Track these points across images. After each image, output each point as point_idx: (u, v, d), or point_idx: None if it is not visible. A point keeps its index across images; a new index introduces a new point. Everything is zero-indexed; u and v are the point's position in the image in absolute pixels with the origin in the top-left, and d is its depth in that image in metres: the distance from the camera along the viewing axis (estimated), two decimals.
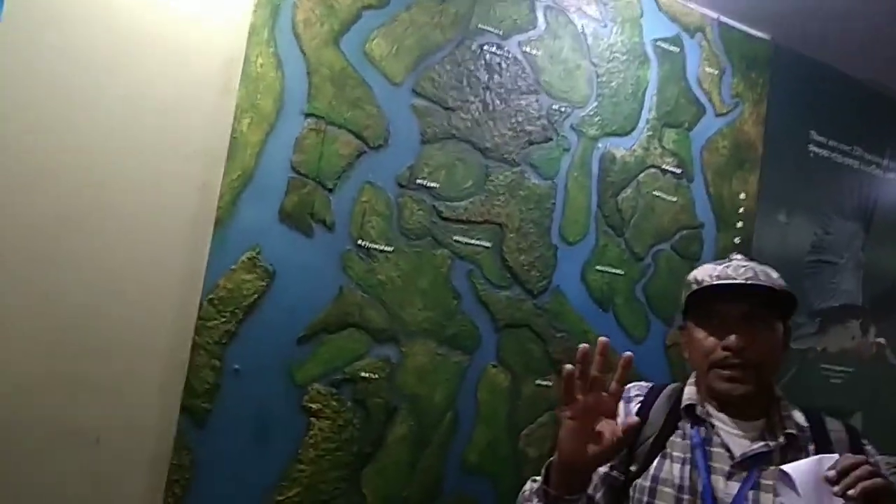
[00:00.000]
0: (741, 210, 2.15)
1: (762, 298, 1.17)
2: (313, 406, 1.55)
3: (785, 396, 1.22)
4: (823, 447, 1.15)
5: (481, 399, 1.74)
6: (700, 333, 1.21)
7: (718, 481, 1.14)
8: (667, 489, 1.16)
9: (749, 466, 1.14)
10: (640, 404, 1.27)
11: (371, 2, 1.65)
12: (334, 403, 1.57)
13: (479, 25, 1.77)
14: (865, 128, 2.45)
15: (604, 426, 1.04)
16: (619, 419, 1.14)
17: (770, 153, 2.19)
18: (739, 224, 2.14)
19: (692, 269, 2.00)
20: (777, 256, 2.16)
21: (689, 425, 1.21)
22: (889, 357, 2.47)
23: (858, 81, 2.42)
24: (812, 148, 2.33)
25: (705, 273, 1.23)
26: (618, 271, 1.94)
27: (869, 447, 1.18)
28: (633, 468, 1.21)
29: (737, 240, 2.13)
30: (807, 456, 1.15)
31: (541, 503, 1.08)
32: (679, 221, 2.04)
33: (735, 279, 1.18)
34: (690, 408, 1.22)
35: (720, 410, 1.20)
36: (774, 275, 1.22)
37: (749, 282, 1.17)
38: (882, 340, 2.45)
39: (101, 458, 1.40)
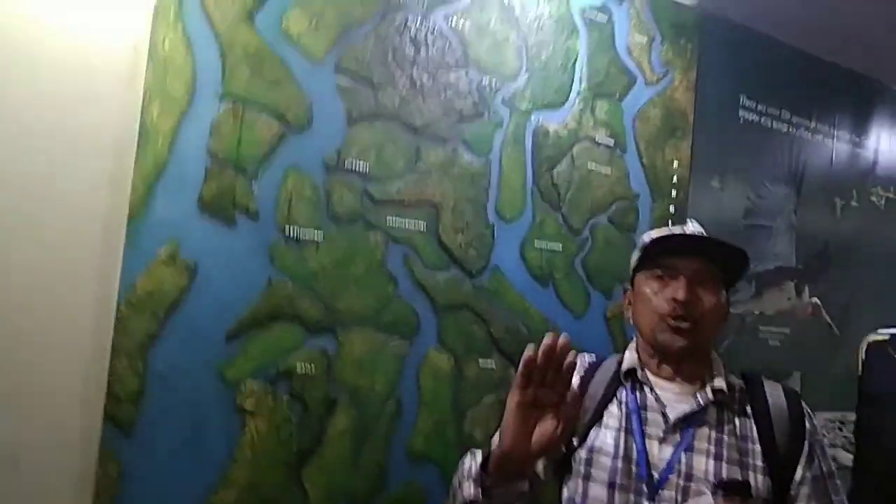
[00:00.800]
0: (675, 178, 2.15)
1: (713, 258, 1.19)
2: (247, 405, 1.48)
3: (720, 358, 1.23)
4: (760, 407, 1.16)
5: (424, 384, 1.70)
6: (648, 287, 1.21)
7: (653, 446, 1.14)
8: (602, 458, 1.16)
9: (683, 429, 1.14)
10: (580, 377, 1.26)
11: None
12: (269, 400, 1.50)
13: None
14: (793, 91, 2.49)
15: (548, 421, 1.02)
16: None
17: (701, 120, 2.20)
18: (674, 193, 2.14)
19: (629, 240, 2.04)
20: (712, 222, 2.15)
21: (625, 392, 1.21)
22: (824, 316, 2.54)
23: (785, 45, 2.45)
24: (742, 113, 2.35)
25: (660, 232, 1.25)
26: (556, 246, 1.92)
27: (806, 409, 1.19)
28: (574, 440, 1.21)
29: (672, 208, 2.14)
30: (743, 416, 1.15)
31: (477, 488, 1.06)
32: (614, 193, 2.02)
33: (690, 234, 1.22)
34: (630, 372, 1.22)
35: (657, 373, 1.20)
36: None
37: (703, 236, 1.21)
38: (817, 301, 2.51)
39: (21, 479, 1.30)
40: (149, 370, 1.39)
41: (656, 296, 1.19)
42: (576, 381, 1.25)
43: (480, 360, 1.78)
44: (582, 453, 1.18)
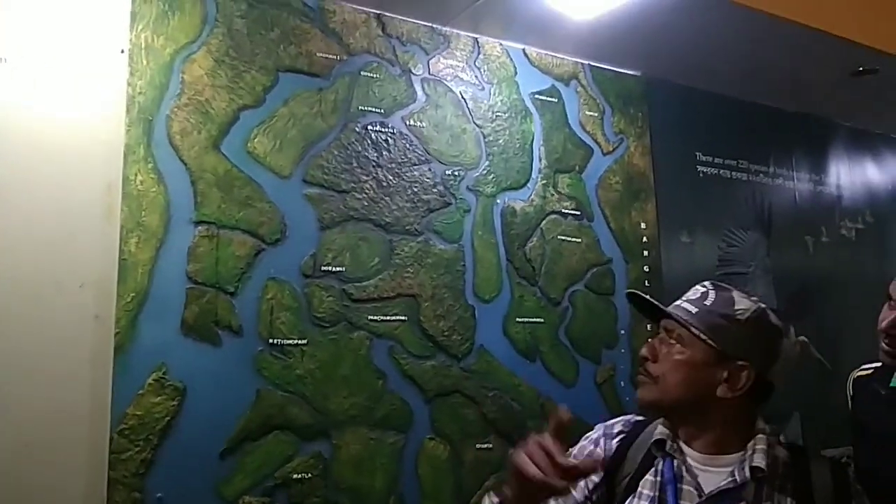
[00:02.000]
0: (644, 239, 2.22)
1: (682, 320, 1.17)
2: None
3: (767, 428, 1.15)
4: (803, 487, 1.09)
5: (423, 475, 1.71)
6: None
7: None
8: None
9: (718, 502, 1.10)
10: (620, 441, 1.24)
11: (247, 102, 1.66)
12: None
13: (360, 107, 1.81)
14: (746, 140, 2.59)
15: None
16: (601, 453, 1.21)
17: (661, 180, 2.29)
18: (645, 252, 2.21)
19: (609, 304, 2.08)
20: (687, 276, 2.22)
21: (661, 461, 1.17)
22: (814, 353, 2.56)
23: (732, 99, 2.57)
24: (700, 168, 2.44)
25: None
26: (538, 319, 1.96)
27: (856, 488, 1.11)
28: None
29: (646, 268, 2.19)
30: (783, 495, 1.08)
31: None
32: (587, 260, 2.09)
33: (683, 300, 1.20)
34: (660, 442, 1.18)
35: (689, 445, 1.16)
36: (728, 307, 1.16)
37: (669, 305, 1.18)
38: (804, 339, 2.54)
39: None
40: (147, 497, 1.41)
41: None
42: (614, 444, 1.24)
43: (477, 444, 1.80)
44: None
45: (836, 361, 2.59)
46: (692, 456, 1.15)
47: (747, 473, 1.09)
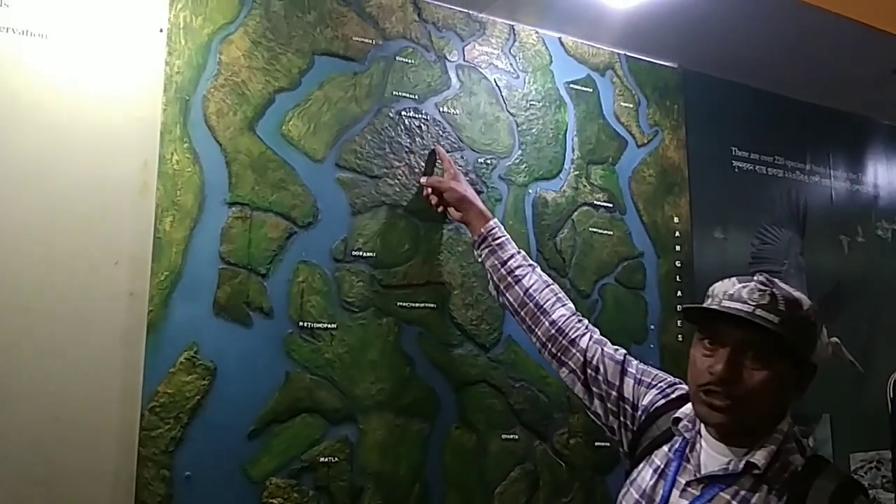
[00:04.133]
0: (677, 233, 2.18)
1: (768, 330, 1.07)
2: (274, 501, 1.49)
3: (790, 431, 1.13)
4: (797, 498, 1.06)
5: (448, 464, 1.70)
6: (697, 350, 1.15)
7: (675, 495, 1.14)
8: (634, 493, 1.19)
9: (707, 486, 1.11)
10: (664, 401, 1.30)
11: (283, 84, 1.65)
12: (295, 495, 1.51)
13: (395, 93, 1.80)
14: (783, 137, 2.54)
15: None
16: (647, 397, 1.33)
17: (695, 175, 2.25)
18: (678, 247, 2.17)
19: (639, 298, 2.06)
20: (719, 272, 2.13)
21: (679, 438, 1.20)
22: (846, 355, 2.51)
23: (770, 94, 2.52)
24: (735, 163, 2.40)
25: (722, 289, 1.14)
26: None
27: None
28: (629, 465, 1.29)
29: (678, 263, 2.16)
30: (776, 498, 1.07)
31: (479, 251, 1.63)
32: (619, 254, 2.06)
33: (745, 304, 1.09)
34: (678, 420, 1.20)
35: (707, 429, 1.17)
36: (801, 309, 1.11)
37: (755, 313, 1.07)
38: (836, 340, 2.50)
39: None
40: (175, 475, 1.41)
41: (699, 362, 1.12)
42: (661, 399, 1.31)
43: (503, 434, 1.79)
44: (626, 482, 1.23)
45: (869, 364, 2.54)
46: (707, 439, 1.17)
47: (740, 466, 1.10)
